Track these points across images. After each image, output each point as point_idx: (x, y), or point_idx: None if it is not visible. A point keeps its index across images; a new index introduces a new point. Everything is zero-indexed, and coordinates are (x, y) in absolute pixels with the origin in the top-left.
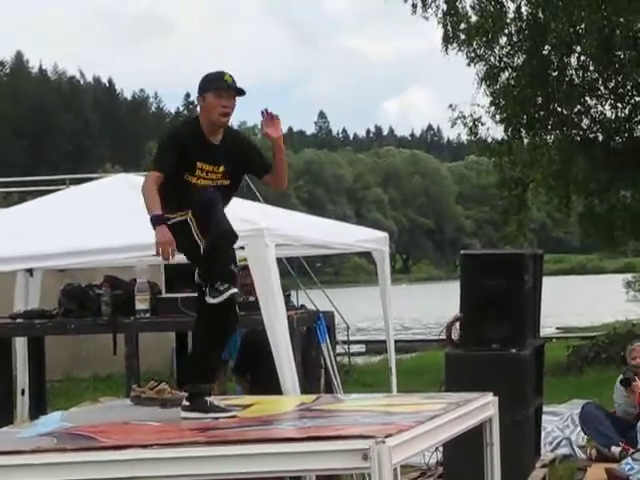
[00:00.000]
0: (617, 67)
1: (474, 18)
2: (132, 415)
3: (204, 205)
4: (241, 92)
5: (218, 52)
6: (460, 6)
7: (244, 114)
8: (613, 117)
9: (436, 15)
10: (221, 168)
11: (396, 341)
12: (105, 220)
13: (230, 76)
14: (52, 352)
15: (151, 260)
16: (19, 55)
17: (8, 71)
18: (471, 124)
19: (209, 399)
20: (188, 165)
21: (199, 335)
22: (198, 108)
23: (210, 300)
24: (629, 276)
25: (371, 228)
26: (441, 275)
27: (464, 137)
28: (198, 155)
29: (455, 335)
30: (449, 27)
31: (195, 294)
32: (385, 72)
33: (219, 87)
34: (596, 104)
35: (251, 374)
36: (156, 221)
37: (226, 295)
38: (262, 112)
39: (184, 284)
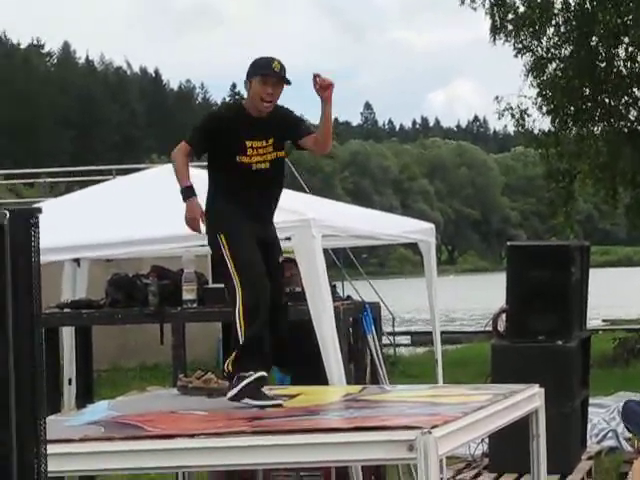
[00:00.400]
0: None
1: (522, 9)
2: (179, 404)
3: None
4: (287, 82)
5: (265, 43)
6: None
7: (292, 105)
8: None
9: (484, 6)
10: (271, 140)
11: (442, 332)
12: (152, 210)
13: (279, 63)
14: (99, 342)
15: (198, 250)
16: (66, 45)
17: (55, 61)
18: (518, 115)
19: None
20: (238, 146)
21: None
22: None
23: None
24: None
25: (417, 219)
26: (487, 266)
27: (511, 128)
28: (246, 134)
29: (501, 327)
30: (497, 18)
31: None
32: (431, 63)
33: (266, 74)
34: None
35: (294, 365)
36: (185, 194)
37: (247, 381)
38: (314, 75)
39: None
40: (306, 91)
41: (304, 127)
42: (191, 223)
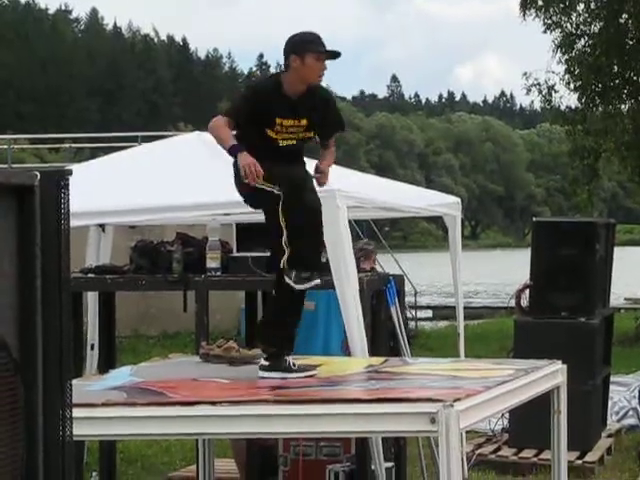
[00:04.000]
0: None
1: None
2: (201, 372)
3: (295, 187)
4: (336, 55)
5: (293, 14)
6: None
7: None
8: None
9: None
10: (304, 121)
11: (464, 307)
12: (178, 177)
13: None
14: (120, 309)
15: (223, 219)
16: (94, 12)
17: (83, 27)
18: (545, 91)
19: (289, 359)
20: (267, 121)
21: (277, 303)
22: (284, 67)
23: (294, 286)
24: None
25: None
26: (509, 242)
27: (537, 104)
28: (276, 111)
29: (524, 302)
30: None
31: (266, 254)
32: (459, 37)
33: (321, 51)
34: None
35: None
36: (236, 150)
37: (311, 284)
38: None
39: (255, 243)
40: (333, 62)
41: (335, 129)
42: (251, 168)
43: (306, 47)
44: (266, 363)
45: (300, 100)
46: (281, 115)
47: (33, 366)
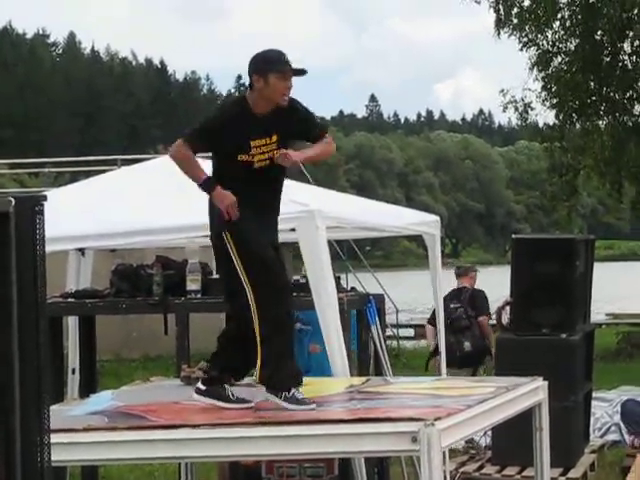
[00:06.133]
0: None
1: (527, 2)
2: (182, 395)
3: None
4: (303, 73)
5: (270, 35)
6: None
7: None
8: None
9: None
10: (275, 137)
11: None
12: (157, 200)
13: (287, 56)
14: (102, 333)
15: (202, 241)
16: (71, 36)
17: (61, 52)
18: (522, 109)
19: (229, 389)
20: (242, 146)
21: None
22: (249, 87)
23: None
24: None
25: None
26: (490, 260)
27: (515, 122)
28: (251, 134)
29: (505, 319)
30: (501, 12)
31: None
32: (437, 55)
33: (284, 70)
34: None
35: None
36: (209, 185)
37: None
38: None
39: None
40: (310, 82)
41: (314, 130)
42: (231, 209)
43: (268, 67)
44: (202, 387)
45: (268, 118)
46: (254, 137)
47: (10, 392)
